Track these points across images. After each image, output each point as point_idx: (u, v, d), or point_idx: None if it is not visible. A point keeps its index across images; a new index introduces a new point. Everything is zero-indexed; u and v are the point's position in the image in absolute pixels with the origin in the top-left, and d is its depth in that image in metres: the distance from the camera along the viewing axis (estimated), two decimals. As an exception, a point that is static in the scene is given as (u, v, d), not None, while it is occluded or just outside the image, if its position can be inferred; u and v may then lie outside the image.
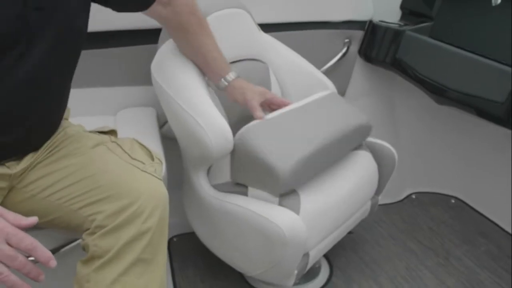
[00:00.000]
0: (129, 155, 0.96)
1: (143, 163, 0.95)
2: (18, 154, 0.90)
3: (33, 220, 0.70)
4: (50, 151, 0.95)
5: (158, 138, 1.24)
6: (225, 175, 1.23)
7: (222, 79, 1.14)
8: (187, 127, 1.07)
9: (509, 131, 1.45)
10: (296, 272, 1.16)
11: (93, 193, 0.88)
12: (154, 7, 1.06)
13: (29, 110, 0.85)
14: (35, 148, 0.93)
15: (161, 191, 0.91)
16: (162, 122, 1.41)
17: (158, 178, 0.94)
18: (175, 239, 1.60)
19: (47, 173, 0.93)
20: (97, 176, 0.90)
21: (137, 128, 1.28)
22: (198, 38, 1.11)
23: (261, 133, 1.08)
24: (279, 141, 1.08)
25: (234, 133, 1.11)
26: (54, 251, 1.04)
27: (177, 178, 1.28)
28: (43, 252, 0.67)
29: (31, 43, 0.79)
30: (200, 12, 1.11)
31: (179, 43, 1.15)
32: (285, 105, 1.18)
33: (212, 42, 1.13)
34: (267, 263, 1.13)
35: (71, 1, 0.83)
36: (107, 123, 1.10)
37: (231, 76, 1.14)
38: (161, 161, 1.02)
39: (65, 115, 1.03)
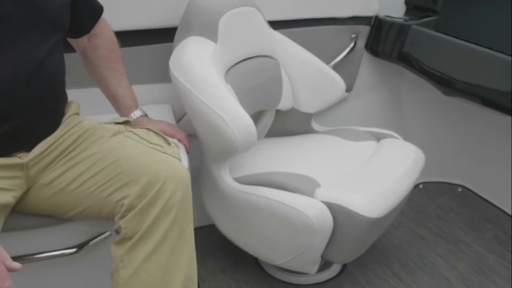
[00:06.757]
0: (147, 140, 1.02)
1: (162, 146, 1.01)
2: (24, 145, 0.94)
3: (15, 266, 0.72)
4: (68, 146, 0.99)
5: None
6: (245, 168, 1.26)
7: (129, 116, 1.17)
8: (210, 121, 1.09)
9: (514, 120, 1.50)
10: (320, 259, 1.20)
11: (119, 177, 0.94)
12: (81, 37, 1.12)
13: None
14: (42, 138, 0.96)
15: (182, 170, 0.96)
16: (178, 118, 1.44)
17: (178, 159, 0.99)
18: None
19: (71, 166, 0.97)
20: (120, 161, 0.95)
21: None
22: (112, 73, 1.15)
23: None
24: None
25: None
26: (82, 244, 1.08)
27: (195, 173, 1.31)
28: None
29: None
30: (118, 50, 1.17)
31: (93, 75, 1.18)
32: (181, 138, 1.17)
33: (124, 79, 1.17)
34: (293, 251, 1.17)
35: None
36: None
37: (135, 114, 1.16)
38: (177, 145, 1.07)
39: (75, 111, 1.08)
